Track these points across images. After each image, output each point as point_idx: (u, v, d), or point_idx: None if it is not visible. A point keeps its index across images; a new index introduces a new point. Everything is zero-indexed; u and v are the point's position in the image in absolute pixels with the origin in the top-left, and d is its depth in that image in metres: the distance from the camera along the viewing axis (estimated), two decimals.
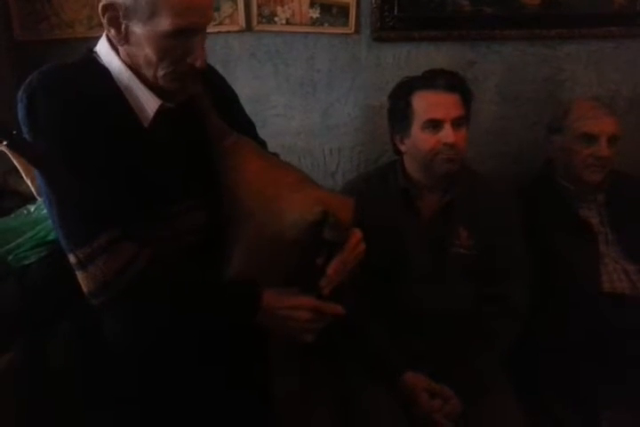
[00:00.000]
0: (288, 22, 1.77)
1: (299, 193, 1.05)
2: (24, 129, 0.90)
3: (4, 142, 0.86)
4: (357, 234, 1.09)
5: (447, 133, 1.36)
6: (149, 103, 0.97)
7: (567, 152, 1.62)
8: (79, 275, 0.92)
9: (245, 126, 1.21)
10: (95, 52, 0.99)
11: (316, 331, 1.06)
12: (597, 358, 1.43)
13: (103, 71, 0.97)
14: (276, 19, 1.76)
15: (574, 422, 1.43)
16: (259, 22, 1.77)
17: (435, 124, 1.37)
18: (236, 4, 1.74)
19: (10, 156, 0.95)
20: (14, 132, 0.88)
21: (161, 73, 0.95)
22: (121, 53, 0.96)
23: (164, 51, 0.93)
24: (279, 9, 1.75)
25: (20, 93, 0.91)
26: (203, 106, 1.08)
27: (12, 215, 1.42)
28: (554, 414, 1.45)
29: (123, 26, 0.92)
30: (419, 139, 1.40)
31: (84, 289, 0.93)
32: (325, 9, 1.75)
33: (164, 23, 0.89)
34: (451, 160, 1.39)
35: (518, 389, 1.43)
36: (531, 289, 1.47)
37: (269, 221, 1.03)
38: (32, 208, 1.41)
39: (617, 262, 1.57)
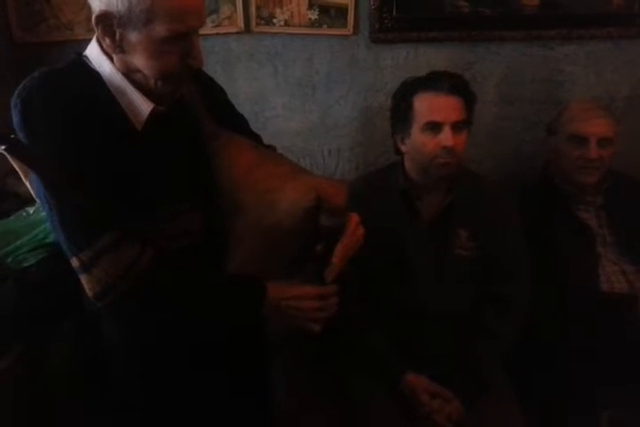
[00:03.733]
0: (287, 24, 1.77)
1: (291, 182, 1.05)
2: (20, 134, 0.90)
3: (2, 147, 0.86)
4: (355, 217, 1.09)
5: (446, 137, 1.36)
6: (142, 106, 0.97)
7: (560, 154, 1.62)
8: (83, 278, 0.91)
9: (237, 122, 1.21)
10: (85, 56, 0.99)
11: (323, 321, 1.06)
12: (597, 358, 1.44)
13: (94, 75, 0.96)
14: (274, 20, 1.77)
15: (574, 423, 1.43)
16: (257, 24, 1.77)
17: (434, 127, 1.37)
18: (235, 6, 1.74)
19: (9, 158, 0.95)
20: (12, 136, 0.88)
21: (158, 78, 0.95)
22: (115, 62, 0.96)
23: (160, 56, 0.92)
24: (278, 10, 1.75)
25: (14, 99, 0.90)
26: (194, 107, 1.08)
27: (11, 217, 1.42)
28: (554, 414, 1.45)
29: (117, 34, 0.91)
30: (418, 141, 1.40)
31: (89, 292, 0.92)
32: (324, 10, 1.75)
33: (160, 29, 0.89)
34: (448, 164, 1.38)
35: (519, 389, 1.44)
36: (530, 290, 1.47)
37: (265, 214, 1.03)
38: (31, 210, 1.42)
39: (615, 264, 1.57)
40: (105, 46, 0.95)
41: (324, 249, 1.05)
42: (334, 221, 1.05)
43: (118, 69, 0.96)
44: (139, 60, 0.93)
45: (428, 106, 1.39)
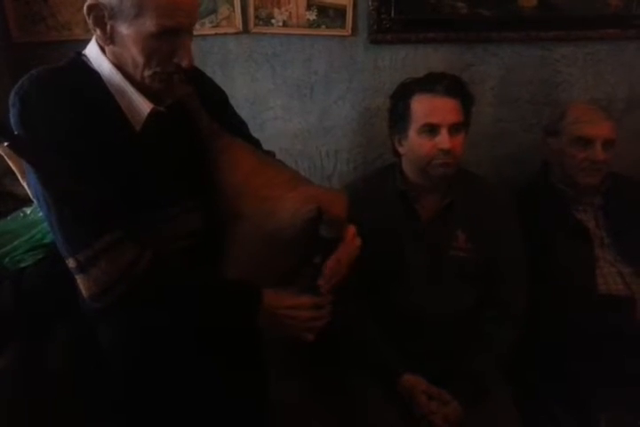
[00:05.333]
0: (285, 24, 1.77)
1: (292, 191, 1.05)
2: (18, 132, 0.90)
3: (6, 144, 0.86)
4: (352, 229, 1.10)
5: (443, 139, 1.36)
6: (141, 107, 0.97)
7: (563, 155, 1.62)
8: (79, 278, 0.91)
9: (237, 126, 1.21)
10: (84, 55, 0.99)
11: (317, 330, 1.07)
12: (595, 360, 1.43)
13: (93, 74, 0.97)
14: (272, 21, 1.76)
15: (573, 425, 1.43)
16: (256, 24, 1.77)
17: (431, 129, 1.37)
18: (234, 7, 1.74)
19: (5, 158, 0.95)
20: (15, 133, 0.87)
21: (147, 73, 0.95)
22: (107, 53, 0.96)
23: (149, 51, 0.93)
24: (276, 11, 1.75)
25: (11, 97, 0.90)
26: (193, 108, 1.08)
27: (8, 218, 1.42)
28: (552, 416, 1.45)
29: (108, 26, 0.92)
30: (415, 142, 1.40)
31: (85, 293, 0.91)
32: (322, 11, 1.75)
33: (150, 24, 0.89)
34: (446, 165, 1.38)
35: (517, 391, 1.43)
36: (528, 292, 1.47)
37: (264, 222, 1.03)
38: (28, 211, 1.41)
39: (612, 265, 1.58)
40: (96, 37, 0.95)
41: (322, 259, 1.05)
42: (333, 231, 1.05)
43: (117, 68, 0.96)
44: (128, 53, 0.94)
45: (425, 108, 1.39)
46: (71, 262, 0.91)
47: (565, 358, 1.47)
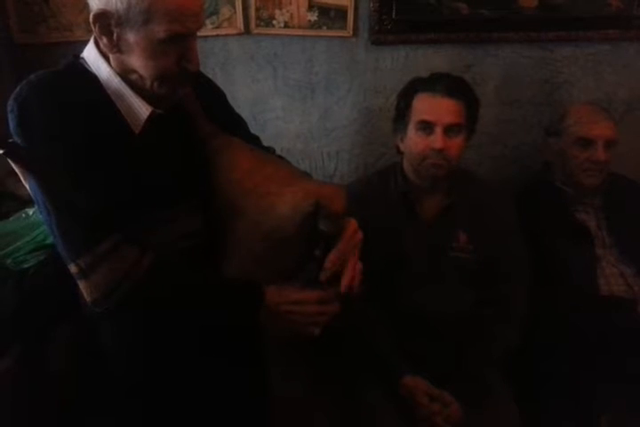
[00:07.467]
0: (286, 25, 1.77)
1: (290, 187, 1.05)
2: (16, 138, 0.90)
3: (0, 151, 0.86)
4: (353, 223, 1.10)
5: (436, 139, 1.36)
6: (140, 110, 0.97)
7: (564, 156, 1.62)
8: (81, 284, 0.91)
9: (235, 124, 1.22)
10: (82, 58, 0.99)
11: (323, 324, 1.06)
12: (596, 360, 1.43)
13: (92, 78, 0.96)
14: (274, 22, 1.77)
15: (574, 425, 1.43)
16: (257, 26, 1.77)
17: (426, 127, 1.37)
18: (235, 8, 1.74)
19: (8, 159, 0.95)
20: (10, 140, 0.87)
21: (154, 79, 0.95)
22: (112, 61, 0.96)
23: (157, 57, 0.92)
24: (277, 12, 1.76)
25: (10, 103, 0.90)
26: (191, 109, 1.08)
27: (11, 219, 1.42)
28: (553, 417, 1.45)
29: (115, 34, 0.91)
30: (412, 140, 1.41)
31: (87, 298, 0.92)
32: (323, 12, 1.75)
33: (159, 30, 0.89)
34: (437, 166, 1.38)
35: (518, 392, 1.43)
36: (529, 292, 1.47)
37: (264, 218, 1.03)
38: (30, 212, 1.42)
39: (614, 266, 1.57)
40: (102, 46, 0.95)
41: (323, 253, 1.05)
42: (333, 226, 1.05)
43: (115, 71, 0.96)
44: (135, 61, 0.93)
45: (423, 106, 1.40)
46: (73, 268, 0.91)
47: (566, 358, 1.47)
